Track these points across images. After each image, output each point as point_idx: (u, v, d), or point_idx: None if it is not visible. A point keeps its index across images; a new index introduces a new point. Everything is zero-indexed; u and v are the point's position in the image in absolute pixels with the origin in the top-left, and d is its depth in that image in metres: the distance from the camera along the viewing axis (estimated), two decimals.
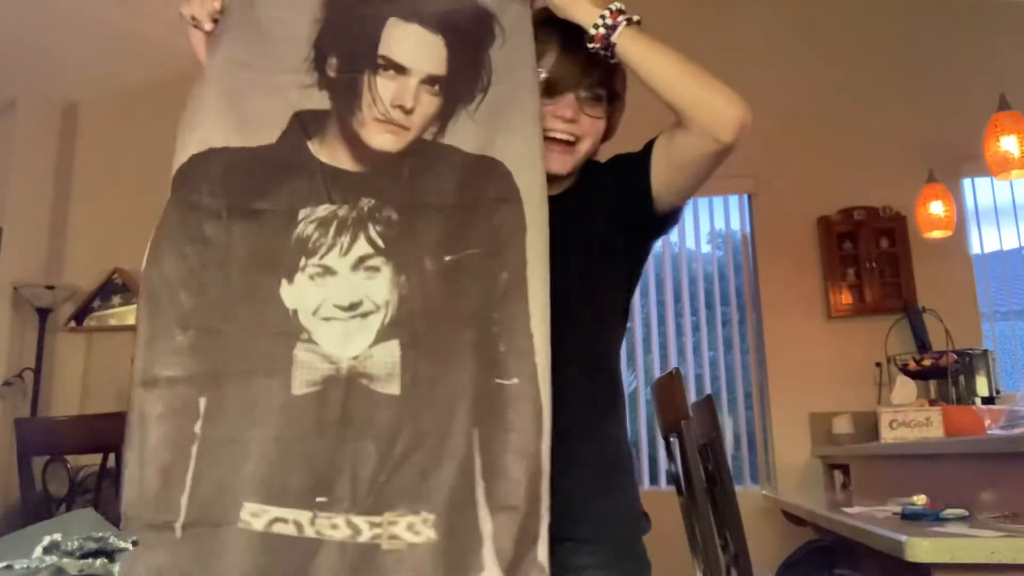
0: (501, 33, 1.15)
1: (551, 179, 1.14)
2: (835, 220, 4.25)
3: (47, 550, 0.86)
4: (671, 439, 1.88)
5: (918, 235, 3.98)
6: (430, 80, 1.12)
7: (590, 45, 1.12)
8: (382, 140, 1.12)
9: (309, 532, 0.98)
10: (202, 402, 1.04)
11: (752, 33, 4.53)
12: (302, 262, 1.07)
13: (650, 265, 4.54)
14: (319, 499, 0.99)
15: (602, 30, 1.10)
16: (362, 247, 1.08)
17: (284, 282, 1.06)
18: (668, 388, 1.78)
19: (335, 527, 0.99)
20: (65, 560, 0.86)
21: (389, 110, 1.12)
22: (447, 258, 1.08)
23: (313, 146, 1.12)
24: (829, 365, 4.11)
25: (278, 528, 0.98)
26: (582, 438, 1.17)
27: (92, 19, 4.24)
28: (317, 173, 1.10)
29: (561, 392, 1.04)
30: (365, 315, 1.05)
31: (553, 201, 1.11)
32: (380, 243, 1.08)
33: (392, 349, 1.04)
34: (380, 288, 1.06)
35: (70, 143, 5.06)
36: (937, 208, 3.78)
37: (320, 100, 1.13)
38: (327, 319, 1.05)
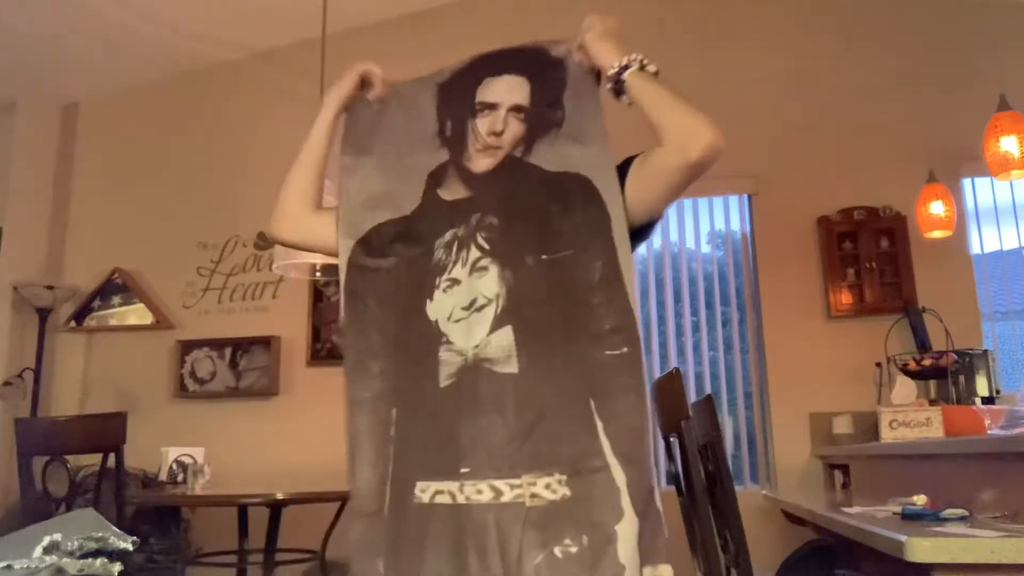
0: (569, 75, 1.40)
1: None
2: (835, 220, 4.25)
3: (47, 550, 0.86)
4: (671, 439, 1.88)
5: (918, 235, 3.98)
6: (516, 109, 1.38)
7: (608, 84, 1.34)
8: (482, 164, 1.38)
9: (460, 499, 1.21)
10: (394, 412, 1.28)
11: (752, 34, 4.53)
12: (437, 281, 1.31)
13: (650, 265, 4.54)
14: (463, 470, 1.21)
15: (616, 69, 1.32)
16: (474, 253, 1.30)
17: (428, 301, 1.31)
18: (668, 388, 1.78)
19: (480, 492, 1.20)
20: (65, 560, 0.86)
21: (486, 138, 1.38)
22: (544, 257, 1.28)
23: (441, 192, 1.39)
24: (829, 365, 4.11)
25: (439, 499, 1.22)
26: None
27: (92, 19, 4.24)
28: (443, 208, 1.37)
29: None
30: (480, 309, 1.27)
31: None
32: (486, 246, 1.30)
33: (507, 335, 1.24)
34: (489, 284, 1.27)
35: (70, 143, 5.06)
36: (937, 208, 3.78)
37: (442, 155, 1.42)
38: (457, 321, 1.28)
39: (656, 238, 4.56)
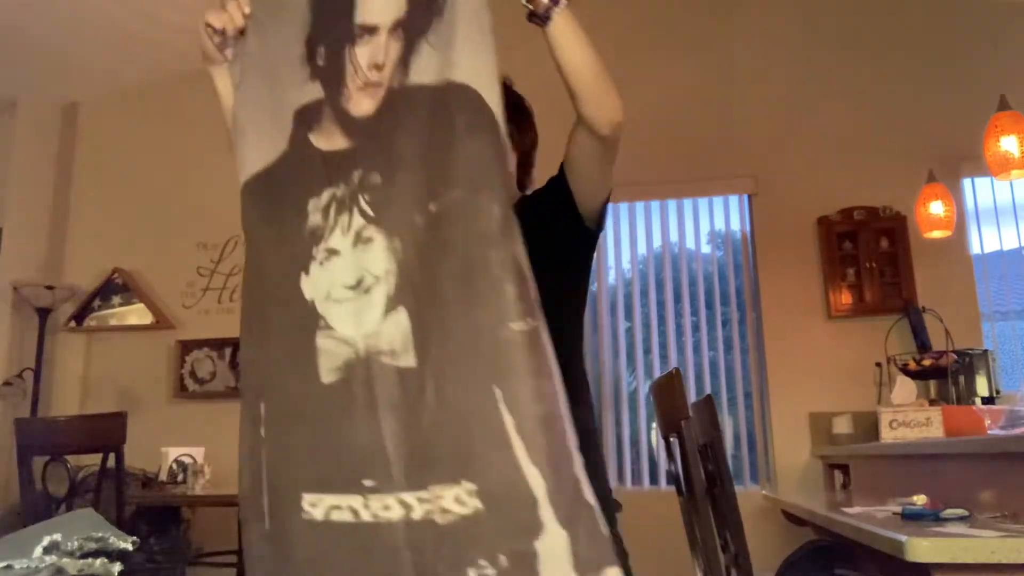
0: None
1: None
2: (835, 220, 4.25)
3: (47, 550, 0.86)
4: (671, 439, 1.88)
5: (918, 235, 3.98)
6: (395, 26, 1.10)
7: (529, 5, 1.15)
8: (363, 106, 1.10)
9: (365, 516, 1.00)
10: (262, 407, 1.08)
11: (752, 34, 4.53)
12: (313, 251, 1.07)
13: (650, 265, 4.54)
14: (366, 482, 1.00)
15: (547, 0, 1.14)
16: (357, 220, 1.06)
17: (303, 275, 1.08)
18: (668, 388, 1.78)
19: (387, 508, 0.99)
20: (65, 560, 0.86)
21: (367, 74, 1.10)
22: (432, 207, 1.02)
23: (313, 137, 1.12)
24: (829, 365, 4.11)
25: (335, 516, 1.01)
26: None
27: (92, 19, 4.24)
28: (317, 161, 1.11)
29: None
30: (368, 290, 1.03)
31: None
32: (371, 212, 1.06)
33: (401, 319, 1.02)
34: (376, 259, 1.04)
35: (70, 143, 5.06)
36: (937, 208, 3.78)
37: (314, 91, 1.13)
38: (338, 301, 1.05)
39: (656, 238, 4.56)
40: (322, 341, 1.04)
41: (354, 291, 1.04)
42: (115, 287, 4.74)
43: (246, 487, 1.07)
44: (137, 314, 4.69)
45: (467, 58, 1.05)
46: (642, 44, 4.59)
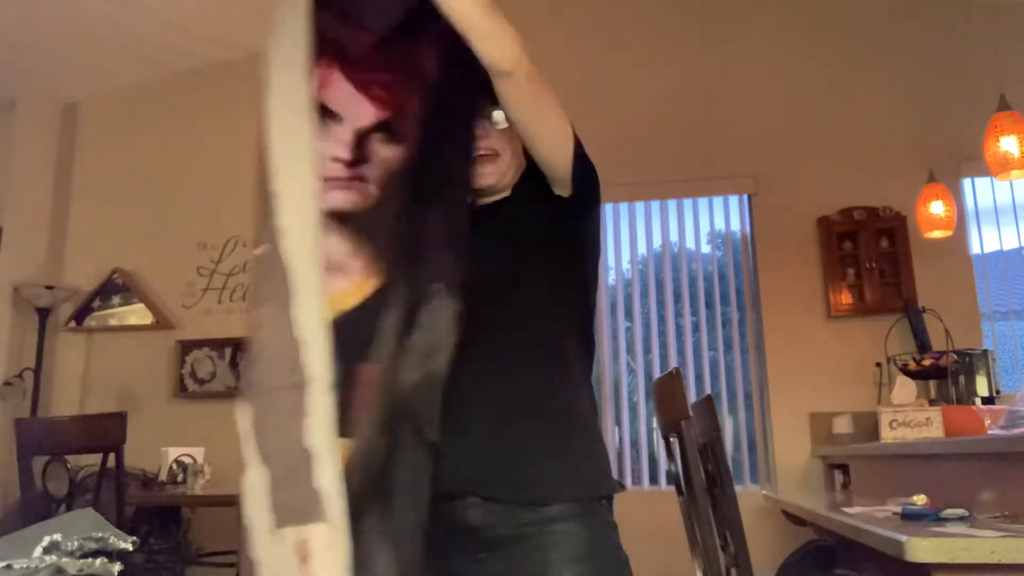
0: None
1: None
2: (835, 220, 4.25)
3: (47, 550, 0.86)
4: (671, 439, 1.88)
5: (918, 235, 3.98)
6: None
7: None
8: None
9: None
10: None
11: (752, 34, 4.53)
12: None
13: (650, 265, 4.54)
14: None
15: None
16: None
17: None
18: (668, 388, 1.78)
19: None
20: (65, 560, 0.86)
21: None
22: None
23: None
24: (829, 365, 4.11)
25: None
26: (522, 412, 1.24)
27: (92, 19, 4.24)
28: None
29: (490, 376, 1.21)
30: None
31: (491, 207, 1.34)
32: None
33: None
34: None
35: (70, 143, 5.06)
36: (937, 208, 3.78)
37: None
38: None
39: (656, 238, 4.57)
40: None
41: None
42: (115, 287, 4.74)
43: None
44: (137, 314, 4.69)
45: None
46: (642, 44, 4.59)
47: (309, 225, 1.04)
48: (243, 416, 1.01)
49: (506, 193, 1.38)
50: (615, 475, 1.29)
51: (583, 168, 1.30)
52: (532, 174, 1.34)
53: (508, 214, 1.36)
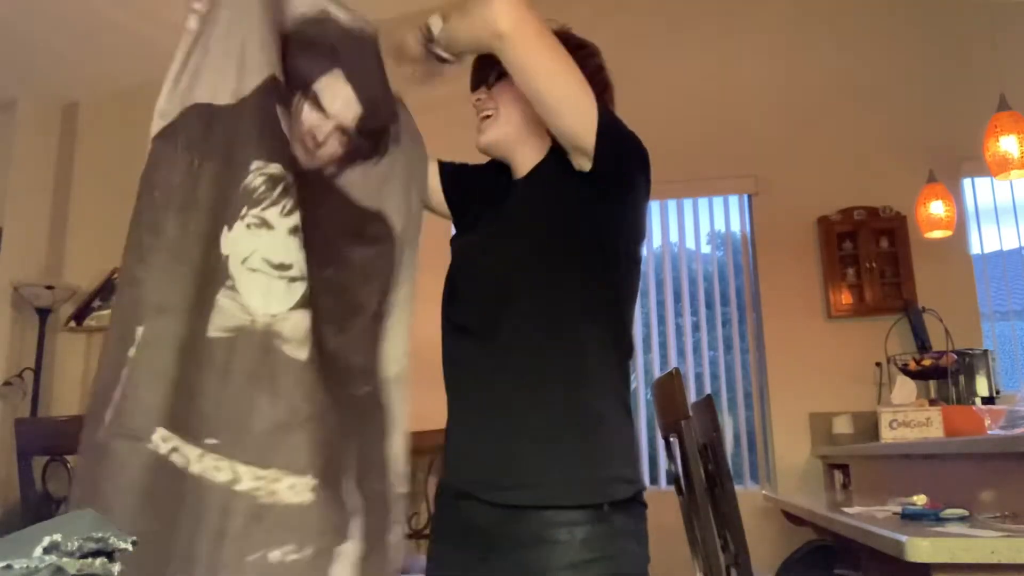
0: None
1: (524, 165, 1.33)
2: (835, 220, 4.25)
3: (47, 550, 0.86)
4: (671, 439, 1.88)
5: (918, 235, 3.98)
6: (341, 129, 1.26)
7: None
8: (303, 156, 1.23)
9: (194, 468, 1.01)
10: (139, 331, 1.05)
11: (752, 33, 4.53)
12: (244, 211, 1.10)
13: (650, 265, 4.54)
14: (209, 440, 1.02)
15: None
16: (296, 215, 1.12)
17: (224, 229, 1.09)
18: (668, 388, 1.78)
19: (218, 469, 1.02)
20: (65, 560, 0.86)
21: (305, 138, 1.24)
22: (326, 272, 1.17)
23: (280, 112, 1.16)
24: (829, 365, 4.11)
25: (174, 457, 1.01)
26: (522, 408, 1.20)
27: (92, 19, 4.24)
28: (278, 137, 1.15)
29: (495, 367, 1.21)
30: (292, 280, 1.09)
31: (517, 183, 1.33)
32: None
33: (306, 318, 1.09)
34: (303, 260, 1.11)
35: (70, 143, 5.05)
36: (937, 208, 3.78)
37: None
38: (253, 270, 1.08)
39: (656, 238, 4.56)
40: (223, 299, 1.07)
41: (275, 270, 1.09)
42: (115, 287, 4.73)
43: (96, 390, 1.05)
44: None
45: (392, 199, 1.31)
46: (642, 44, 4.59)
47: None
48: None
49: (523, 173, 1.34)
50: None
51: (612, 142, 1.21)
52: (555, 156, 1.27)
53: (523, 196, 1.31)
